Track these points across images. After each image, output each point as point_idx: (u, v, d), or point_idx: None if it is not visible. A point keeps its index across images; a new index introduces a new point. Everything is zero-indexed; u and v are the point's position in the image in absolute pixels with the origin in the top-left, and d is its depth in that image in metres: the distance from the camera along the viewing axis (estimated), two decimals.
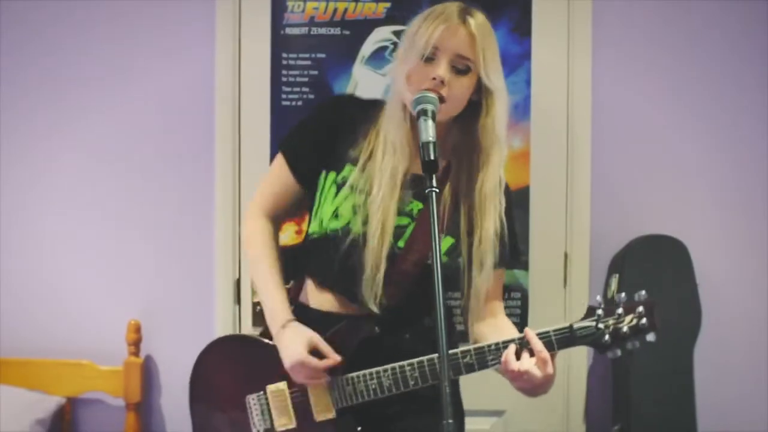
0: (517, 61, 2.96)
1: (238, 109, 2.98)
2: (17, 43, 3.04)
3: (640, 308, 1.83)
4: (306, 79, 2.96)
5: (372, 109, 2.08)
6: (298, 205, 2.17)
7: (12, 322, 3.04)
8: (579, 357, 2.99)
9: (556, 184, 3.01)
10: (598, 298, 1.88)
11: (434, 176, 1.71)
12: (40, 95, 3.05)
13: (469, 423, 2.12)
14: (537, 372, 1.81)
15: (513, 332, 1.99)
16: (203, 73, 2.99)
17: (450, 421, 1.56)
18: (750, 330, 3.06)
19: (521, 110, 2.98)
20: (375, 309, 1.94)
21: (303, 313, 2.08)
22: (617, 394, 2.96)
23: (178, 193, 3.04)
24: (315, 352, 1.95)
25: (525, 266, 2.98)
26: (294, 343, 1.96)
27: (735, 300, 3.04)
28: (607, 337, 1.83)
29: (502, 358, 1.84)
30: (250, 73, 2.98)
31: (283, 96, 2.97)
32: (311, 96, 2.97)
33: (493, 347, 1.87)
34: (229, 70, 2.98)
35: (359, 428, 2.00)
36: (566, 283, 3.03)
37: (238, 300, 3.00)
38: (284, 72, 2.97)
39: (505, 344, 1.85)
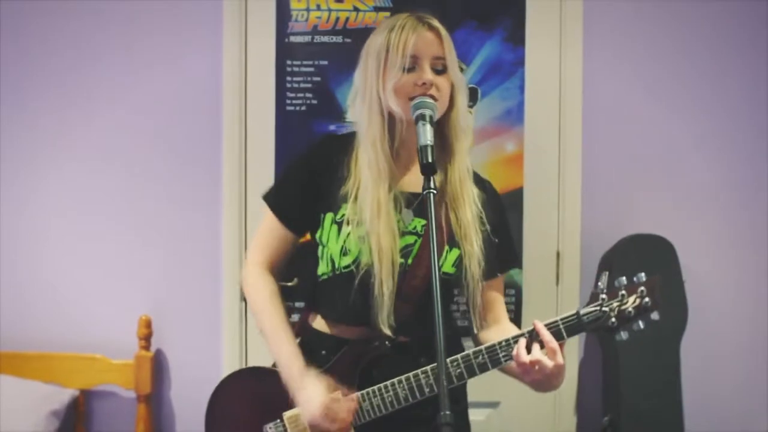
0: (511, 68, 2.99)
1: (244, 114, 3.00)
2: (25, 44, 3.04)
3: (642, 288, 1.84)
4: (309, 85, 2.98)
5: (351, 141, 2.07)
6: (293, 252, 2.14)
7: (28, 318, 3.05)
8: (570, 351, 2.94)
9: (549, 185, 3.03)
10: (600, 284, 1.87)
11: (432, 178, 1.74)
12: (50, 96, 3.06)
13: None
14: (548, 362, 1.82)
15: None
16: (211, 79, 3.01)
17: (447, 412, 1.56)
18: (734, 325, 3.08)
19: (515, 115, 3.00)
20: (387, 331, 1.93)
21: (315, 338, 2.08)
22: (607, 387, 2.98)
23: (187, 194, 3.05)
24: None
25: (519, 264, 2.96)
26: (316, 396, 1.94)
27: (720, 296, 3.06)
28: (613, 319, 1.84)
29: (514, 352, 1.85)
30: (256, 80, 3.00)
31: (288, 101, 2.99)
32: (314, 101, 2.98)
33: (504, 344, 1.88)
34: (235, 76, 2.99)
35: None
36: (558, 280, 3.05)
37: (243, 297, 2.89)
38: (288, 78, 2.99)
39: (515, 339, 1.87)
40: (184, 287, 3.06)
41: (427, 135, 1.82)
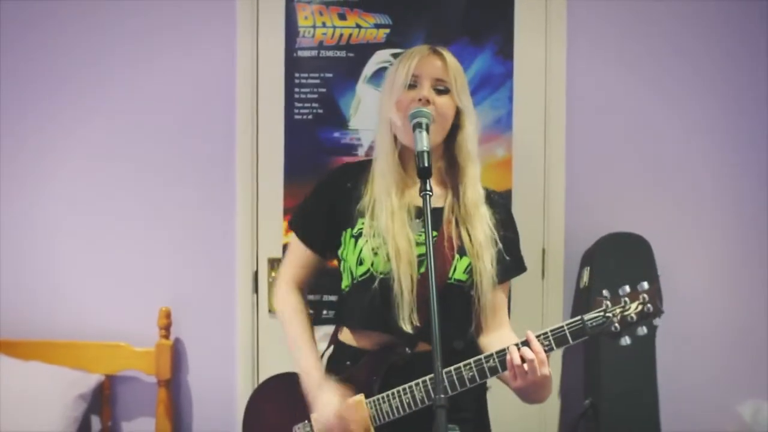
0: (500, 80, 3.08)
1: (256, 122, 3.10)
2: (35, 43, 3.10)
3: (644, 295, 1.87)
4: (315, 96, 3.09)
5: (366, 166, 2.17)
6: (320, 270, 2.25)
7: (59, 310, 3.14)
8: None
9: (535, 188, 3.11)
10: (605, 291, 1.89)
11: (428, 181, 1.82)
12: (65, 95, 3.12)
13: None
14: (537, 365, 1.86)
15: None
16: (226, 90, 3.09)
17: (442, 396, 1.65)
18: (704, 317, 3.14)
19: (504, 123, 3.08)
20: (410, 330, 1.98)
21: (342, 351, 2.16)
22: (588, 373, 3.01)
23: (204, 196, 3.14)
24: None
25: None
26: (330, 403, 2.02)
27: (692, 290, 3.11)
28: (616, 324, 1.87)
29: (507, 357, 1.89)
30: (267, 90, 3.10)
31: (296, 111, 3.10)
32: (320, 111, 3.09)
33: (493, 356, 1.94)
34: (248, 87, 3.09)
35: None
36: (544, 275, 3.13)
37: (255, 290, 3.12)
38: (296, 89, 3.09)
39: (503, 353, 1.93)
40: (201, 281, 3.15)
41: (423, 141, 1.89)
